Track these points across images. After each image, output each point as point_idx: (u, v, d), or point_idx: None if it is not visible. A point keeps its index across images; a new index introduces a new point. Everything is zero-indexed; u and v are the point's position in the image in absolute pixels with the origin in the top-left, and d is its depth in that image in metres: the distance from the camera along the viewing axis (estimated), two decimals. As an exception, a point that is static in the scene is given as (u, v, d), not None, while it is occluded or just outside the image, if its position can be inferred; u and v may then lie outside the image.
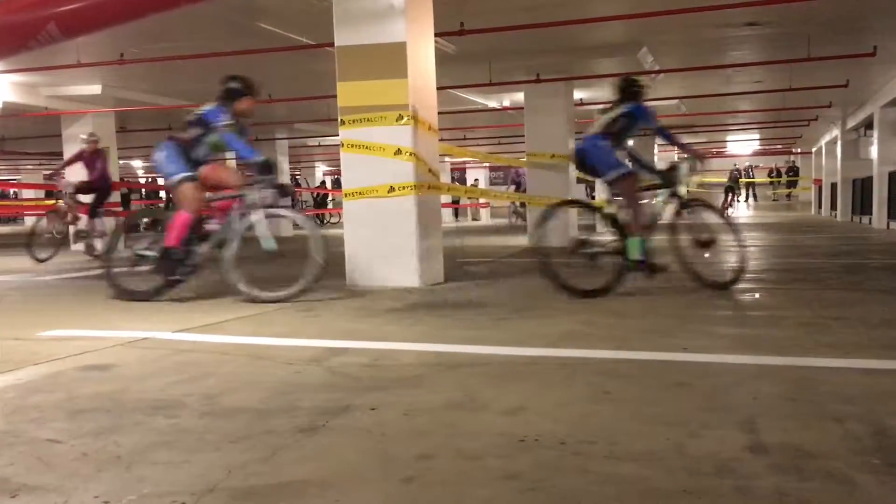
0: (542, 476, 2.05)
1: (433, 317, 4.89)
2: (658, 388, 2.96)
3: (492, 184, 37.40)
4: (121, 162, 20.55)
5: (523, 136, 12.44)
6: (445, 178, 25.90)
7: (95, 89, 12.38)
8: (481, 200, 28.00)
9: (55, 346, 4.09)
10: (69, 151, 13.68)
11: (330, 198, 28.21)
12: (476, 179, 34.37)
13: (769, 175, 37.18)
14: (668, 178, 6.02)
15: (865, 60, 10.67)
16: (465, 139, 21.35)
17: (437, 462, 2.19)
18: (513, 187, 23.15)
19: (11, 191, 34.65)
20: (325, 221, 27.07)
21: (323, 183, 32.72)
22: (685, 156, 6.38)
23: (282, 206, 6.57)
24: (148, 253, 6.06)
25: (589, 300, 5.44)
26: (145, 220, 13.72)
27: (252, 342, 4.10)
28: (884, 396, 2.76)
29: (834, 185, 21.94)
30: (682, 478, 2.02)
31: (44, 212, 10.87)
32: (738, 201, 22.37)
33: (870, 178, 16.67)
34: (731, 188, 25.63)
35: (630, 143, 6.26)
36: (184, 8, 3.83)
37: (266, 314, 5.15)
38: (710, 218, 6.11)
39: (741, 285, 5.99)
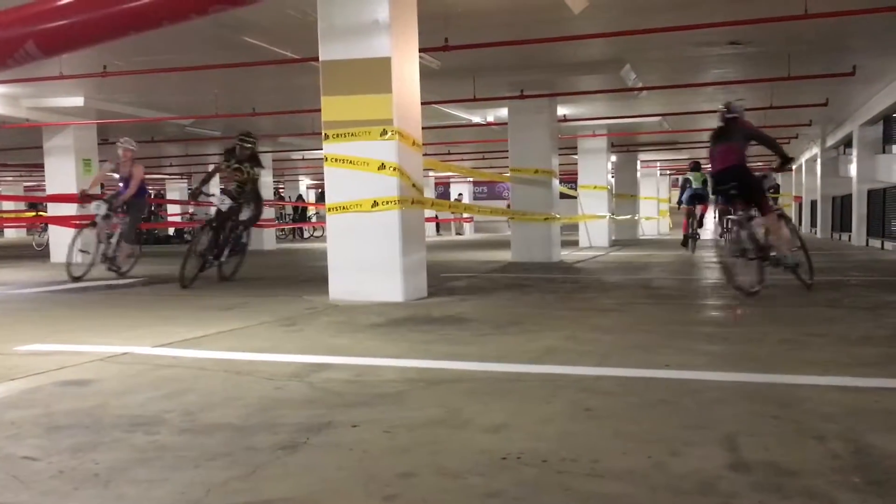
0: (524, 494, 2.04)
1: (416, 332, 4.88)
2: (640, 405, 2.97)
3: (476, 198, 37.51)
4: (103, 174, 20.44)
5: (507, 151, 12.48)
6: (429, 192, 25.93)
7: (78, 101, 12.31)
8: (465, 215, 28.03)
9: (33, 360, 4.04)
10: (50, 163, 13.62)
11: (314, 211, 28.15)
12: (460, 194, 34.45)
13: None
14: None
15: (845, 80, 10.81)
16: (449, 154, 21.39)
17: (419, 480, 2.17)
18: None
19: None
20: (310, 235, 27.03)
21: (300, 196, 32.64)
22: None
23: None
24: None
25: (582, 320, 5.45)
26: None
27: (233, 357, 4.07)
28: (864, 414, 2.78)
29: (814, 203, 22.18)
30: (664, 496, 2.01)
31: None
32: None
33: (849, 196, 16.87)
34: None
35: None
36: (165, 27, 3.81)
37: (248, 328, 5.11)
38: None
39: (723, 301, 6.02)
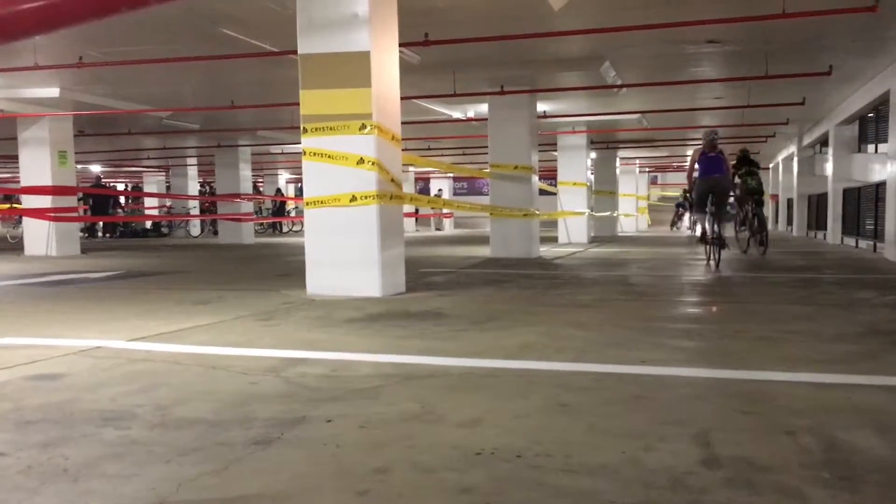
0: (498, 489, 2.04)
1: (393, 327, 4.86)
2: (615, 400, 2.98)
3: (456, 194, 37.50)
4: (79, 167, 20.24)
5: (487, 147, 12.49)
6: (409, 188, 25.90)
7: (53, 92, 12.14)
8: (444, 211, 28.04)
9: (4, 354, 3.99)
10: (25, 155, 13.44)
11: (293, 205, 28.05)
12: (440, 189, 34.43)
13: None
14: None
15: (821, 79, 10.92)
16: (429, 149, 21.38)
17: (393, 475, 2.17)
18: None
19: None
20: (288, 230, 26.91)
21: (279, 190, 32.50)
22: None
23: None
24: None
25: (559, 316, 5.46)
26: None
27: (208, 351, 4.04)
28: (835, 410, 2.81)
29: (790, 201, 22.40)
30: (637, 491, 2.02)
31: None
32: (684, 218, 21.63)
33: (825, 195, 17.05)
34: (682, 204, 25.24)
35: None
36: (124, 13, 3.75)
37: (224, 323, 5.08)
38: None
39: (699, 298, 6.05)
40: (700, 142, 10.91)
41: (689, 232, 16.54)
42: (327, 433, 2.56)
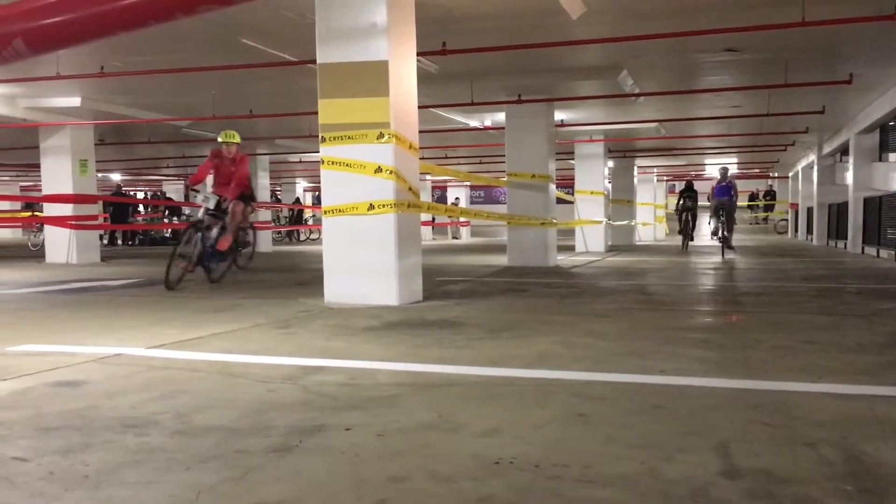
0: (516, 499, 2.04)
1: (410, 336, 4.87)
2: (633, 410, 2.96)
3: (472, 203, 37.47)
4: (99, 175, 20.43)
5: (504, 155, 12.49)
6: (426, 196, 25.92)
7: (75, 101, 12.29)
8: (461, 219, 28.03)
9: (25, 361, 4.03)
10: (47, 163, 13.59)
11: (310, 213, 28.15)
12: (457, 198, 34.41)
13: (750, 199, 37.58)
14: None
15: (841, 88, 10.84)
16: (446, 158, 21.40)
17: (411, 484, 2.17)
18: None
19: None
20: (306, 238, 27.02)
21: (297, 199, 32.65)
22: None
23: None
24: None
25: (576, 325, 5.44)
26: None
27: (226, 359, 4.06)
28: (857, 422, 2.78)
29: (810, 210, 22.21)
30: (655, 502, 2.01)
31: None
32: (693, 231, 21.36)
33: (845, 204, 16.89)
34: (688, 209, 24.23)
35: None
36: (153, 26, 3.79)
37: (242, 330, 5.10)
38: None
39: (718, 308, 6.01)
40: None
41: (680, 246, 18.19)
42: (345, 441, 2.56)
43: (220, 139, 8.61)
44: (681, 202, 18.17)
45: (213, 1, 3.67)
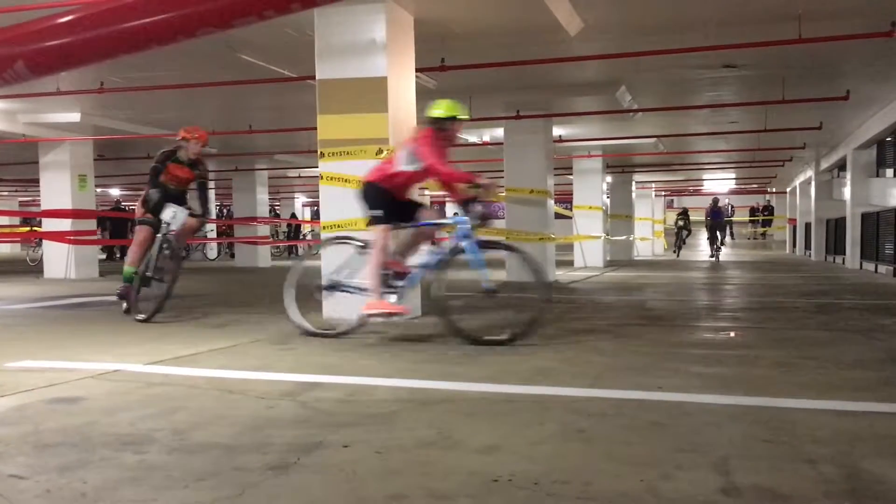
0: (515, 517, 2.03)
1: (409, 352, 4.86)
2: (633, 427, 2.96)
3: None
4: (98, 190, 20.44)
5: (503, 171, 12.51)
6: (425, 211, 25.79)
7: (74, 117, 12.30)
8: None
9: (23, 377, 4.02)
10: (46, 178, 13.59)
11: (309, 229, 28.13)
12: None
13: (751, 214, 37.65)
14: None
15: (839, 104, 10.87)
16: (444, 173, 21.39)
17: (409, 502, 2.16)
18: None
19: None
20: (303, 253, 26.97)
21: (293, 215, 32.64)
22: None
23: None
24: None
25: (575, 341, 5.43)
26: None
27: (224, 375, 4.05)
28: (856, 438, 2.77)
29: (808, 225, 22.23)
30: (655, 520, 2.00)
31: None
32: (685, 242, 24.95)
33: (843, 219, 16.92)
34: (682, 227, 24.84)
35: None
36: (153, 49, 3.81)
37: (240, 346, 5.09)
38: None
39: (717, 324, 6.01)
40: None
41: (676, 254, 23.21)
42: (343, 459, 2.55)
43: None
44: (678, 223, 24.38)
45: (213, 25, 3.69)
